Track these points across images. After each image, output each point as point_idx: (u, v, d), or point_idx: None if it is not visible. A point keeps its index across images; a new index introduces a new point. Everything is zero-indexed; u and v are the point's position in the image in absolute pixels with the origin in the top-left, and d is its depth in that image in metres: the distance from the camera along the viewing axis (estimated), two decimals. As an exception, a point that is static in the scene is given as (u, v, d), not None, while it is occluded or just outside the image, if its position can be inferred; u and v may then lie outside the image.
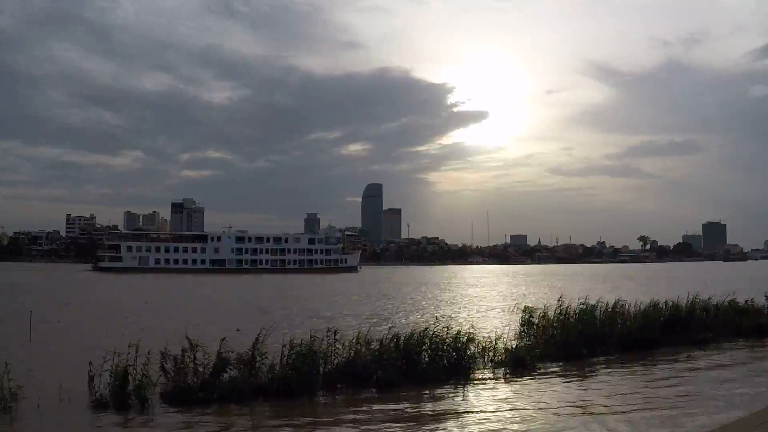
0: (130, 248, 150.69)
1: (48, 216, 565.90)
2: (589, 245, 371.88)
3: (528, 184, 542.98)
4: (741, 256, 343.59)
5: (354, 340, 17.27)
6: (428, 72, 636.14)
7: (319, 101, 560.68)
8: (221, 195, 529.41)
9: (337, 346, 16.90)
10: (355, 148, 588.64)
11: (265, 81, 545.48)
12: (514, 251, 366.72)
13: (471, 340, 18.96)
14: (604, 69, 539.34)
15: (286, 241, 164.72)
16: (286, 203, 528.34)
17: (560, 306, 23.82)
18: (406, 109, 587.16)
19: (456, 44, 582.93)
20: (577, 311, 23.65)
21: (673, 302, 26.25)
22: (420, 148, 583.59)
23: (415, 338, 17.97)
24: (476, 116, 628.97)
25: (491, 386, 17.22)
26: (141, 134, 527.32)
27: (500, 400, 15.65)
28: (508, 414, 14.26)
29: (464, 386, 17.05)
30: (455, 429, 13.24)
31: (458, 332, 19.00)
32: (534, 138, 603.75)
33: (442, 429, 13.26)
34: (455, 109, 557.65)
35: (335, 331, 16.99)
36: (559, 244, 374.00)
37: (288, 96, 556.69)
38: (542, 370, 19.06)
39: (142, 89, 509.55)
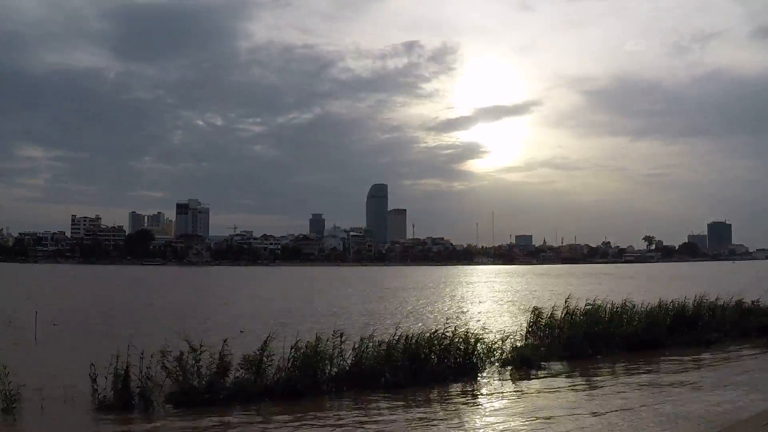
0: None
1: (52, 217, 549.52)
2: (594, 245, 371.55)
3: (532, 184, 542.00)
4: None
5: (361, 342, 17.21)
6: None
7: (285, 76, 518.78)
8: (218, 194, 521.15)
9: (343, 347, 16.86)
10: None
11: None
12: (519, 251, 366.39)
13: (479, 340, 18.94)
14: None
15: None
16: (283, 203, 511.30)
17: (567, 306, 23.80)
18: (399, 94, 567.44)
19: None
20: (582, 311, 23.62)
21: (679, 303, 26.16)
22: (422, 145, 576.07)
23: (424, 339, 17.93)
24: (481, 116, 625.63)
25: (498, 386, 17.19)
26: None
27: (507, 399, 15.60)
28: (514, 414, 14.16)
29: (472, 386, 17.02)
30: (462, 430, 13.17)
31: (466, 333, 18.97)
32: (538, 138, 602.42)
33: (448, 430, 13.19)
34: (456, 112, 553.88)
35: (341, 334, 16.95)
36: (564, 244, 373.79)
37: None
38: (548, 370, 19.02)
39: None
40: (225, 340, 15.98)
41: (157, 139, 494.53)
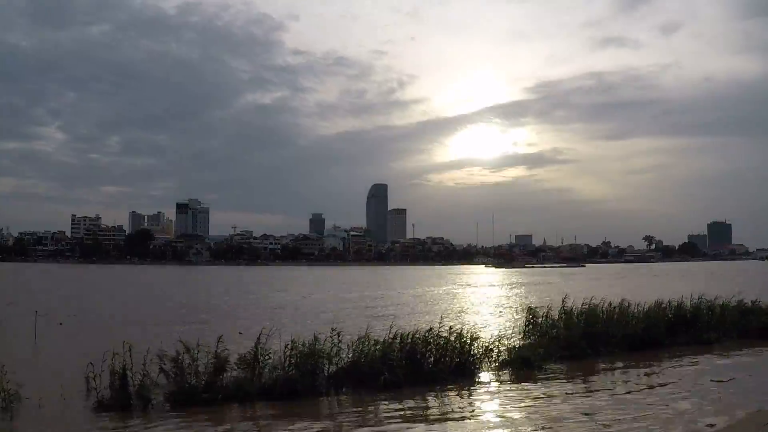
0: None
1: (52, 216, 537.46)
2: (594, 245, 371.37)
3: (531, 184, 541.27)
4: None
5: (358, 341, 17.19)
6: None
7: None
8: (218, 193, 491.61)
9: (341, 346, 16.83)
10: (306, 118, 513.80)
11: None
12: (519, 251, 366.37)
13: (475, 340, 18.91)
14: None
15: None
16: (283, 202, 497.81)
17: (564, 306, 23.77)
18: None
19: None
20: (581, 311, 23.59)
21: (677, 302, 26.15)
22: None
23: (420, 339, 17.91)
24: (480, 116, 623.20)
25: (496, 386, 17.16)
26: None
27: (505, 400, 15.59)
28: (512, 414, 14.18)
29: (470, 387, 16.99)
30: (461, 430, 13.17)
31: (461, 332, 18.94)
32: (536, 137, 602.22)
33: (447, 430, 13.18)
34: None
35: (339, 333, 16.93)
36: (564, 244, 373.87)
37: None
38: (546, 370, 18.98)
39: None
40: (220, 337, 15.92)
41: (112, 125, 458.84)
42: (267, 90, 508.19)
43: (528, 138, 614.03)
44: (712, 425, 13.03)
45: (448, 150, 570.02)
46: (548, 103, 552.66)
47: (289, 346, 16.11)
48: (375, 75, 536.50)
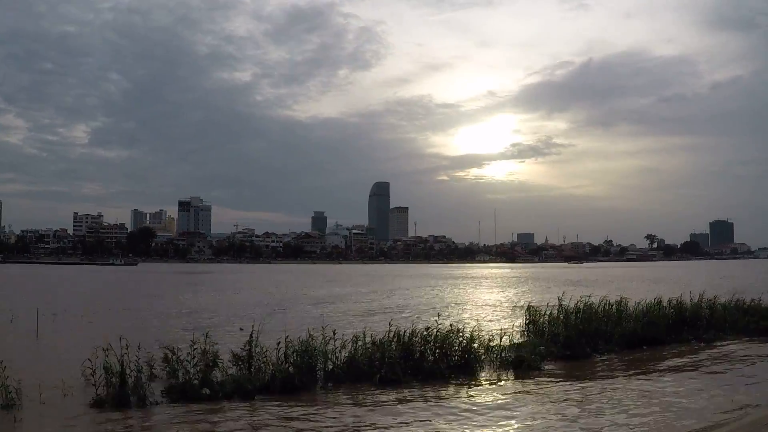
0: None
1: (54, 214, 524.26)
2: (596, 244, 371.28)
3: (531, 182, 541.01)
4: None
5: (355, 337, 17.28)
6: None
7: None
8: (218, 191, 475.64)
9: (338, 343, 16.94)
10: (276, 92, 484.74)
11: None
12: (521, 250, 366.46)
13: (475, 338, 18.99)
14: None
15: None
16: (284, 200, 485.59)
17: (563, 304, 23.84)
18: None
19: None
20: (580, 310, 23.64)
21: (677, 301, 26.19)
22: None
23: (419, 336, 18.01)
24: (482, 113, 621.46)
25: (495, 384, 17.17)
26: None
27: (504, 398, 15.61)
28: (511, 413, 14.20)
29: (468, 384, 17.02)
30: (459, 427, 13.20)
31: (462, 330, 19.02)
32: (536, 135, 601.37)
33: (445, 428, 13.22)
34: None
35: (334, 330, 17.03)
36: (566, 243, 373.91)
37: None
38: (545, 368, 19.01)
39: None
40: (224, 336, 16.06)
41: (73, 112, 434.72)
42: (234, 69, 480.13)
43: (527, 136, 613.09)
44: (711, 425, 13.06)
45: (446, 145, 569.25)
46: (548, 100, 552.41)
47: (279, 343, 16.20)
48: (347, 42, 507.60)
